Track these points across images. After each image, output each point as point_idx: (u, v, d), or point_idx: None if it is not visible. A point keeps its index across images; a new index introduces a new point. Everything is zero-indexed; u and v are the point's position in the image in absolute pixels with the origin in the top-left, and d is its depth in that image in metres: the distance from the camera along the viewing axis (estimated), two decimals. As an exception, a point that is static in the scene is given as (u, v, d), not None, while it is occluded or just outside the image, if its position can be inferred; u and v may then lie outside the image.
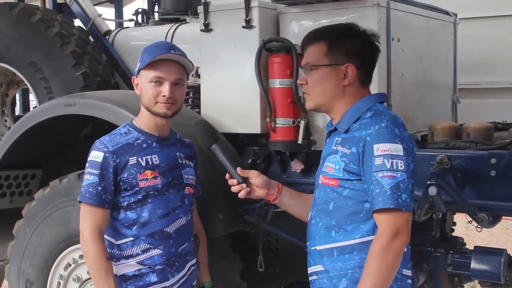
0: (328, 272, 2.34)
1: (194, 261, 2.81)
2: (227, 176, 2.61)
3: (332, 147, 2.37)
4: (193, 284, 2.83)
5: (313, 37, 2.42)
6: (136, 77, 2.70)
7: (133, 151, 2.62)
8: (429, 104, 3.67)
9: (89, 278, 3.46)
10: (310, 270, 2.44)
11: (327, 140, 2.46)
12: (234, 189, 2.57)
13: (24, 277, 3.67)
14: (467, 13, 4.14)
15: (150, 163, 2.63)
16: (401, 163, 2.20)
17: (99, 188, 2.57)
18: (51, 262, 3.56)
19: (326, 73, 2.35)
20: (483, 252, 3.24)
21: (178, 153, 2.76)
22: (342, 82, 2.34)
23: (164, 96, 2.58)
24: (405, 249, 2.30)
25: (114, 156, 2.59)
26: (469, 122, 3.32)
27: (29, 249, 3.64)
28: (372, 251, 2.21)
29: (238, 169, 2.59)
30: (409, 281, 2.37)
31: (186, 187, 2.75)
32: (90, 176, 2.59)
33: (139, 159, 2.62)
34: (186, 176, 2.76)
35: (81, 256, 3.46)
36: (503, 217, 3.18)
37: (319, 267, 2.38)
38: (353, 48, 2.35)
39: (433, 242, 3.48)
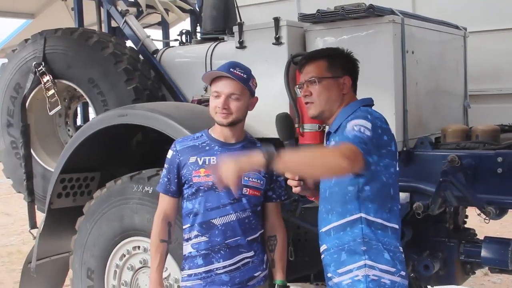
0: (330, 249, 2.45)
1: (249, 254, 2.76)
2: None
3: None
4: (255, 274, 2.78)
5: (313, 57, 2.60)
6: None
7: (195, 152, 2.76)
8: (441, 109, 3.66)
9: (142, 267, 3.55)
10: (320, 250, 2.54)
11: (327, 143, 2.58)
12: (292, 183, 2.59)
13: (86, 266, 3.76)
14: (476, 27, 4.11)
15: (207, 163, 2.73)
16: (368, 131, 2.27)
17: (166, 179, 2.81)
18: (108, 253, 3.65)
19: (330, 83, 2.51)
20: (492, 241, 3.23)
21: None
22: (342, 91, 2.51)
23: (218, 107, 2.69)
24: (397, 227, 2.42)
25: (179, 155, 2.78)
26: (478, 125, 3.31)
27: (89, 242, 3.74)
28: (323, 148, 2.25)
29: None
30: (403, 255, 2.43)
31: (244, 188, 2.73)
32: (163, 170, 2.83)
33: (198, 158, 2.75)
34: (246, 178, 2.73)
35: (134, 248, 3.54)
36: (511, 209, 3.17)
37: (324, 246, 2.49)
38: (346, 65, 2.54)
39: (447, 233, 3.47)
